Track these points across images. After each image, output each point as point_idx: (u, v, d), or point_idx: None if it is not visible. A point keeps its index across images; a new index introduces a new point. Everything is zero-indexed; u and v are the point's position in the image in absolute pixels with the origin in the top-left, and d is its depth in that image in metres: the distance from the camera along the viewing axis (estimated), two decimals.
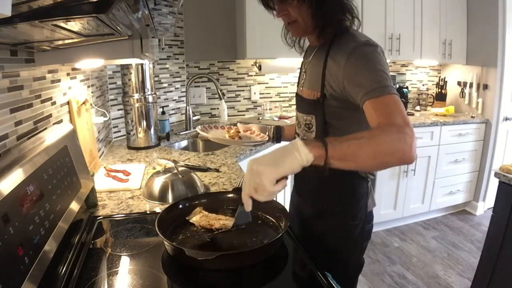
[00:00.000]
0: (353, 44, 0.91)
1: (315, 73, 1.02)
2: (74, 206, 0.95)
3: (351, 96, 0.90)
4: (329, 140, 0.72)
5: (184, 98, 2.75)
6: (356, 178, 1.04)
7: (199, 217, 1.00)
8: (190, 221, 1.00)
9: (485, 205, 3.26)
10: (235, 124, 1.39)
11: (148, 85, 1.95)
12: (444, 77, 3.43)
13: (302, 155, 0.69)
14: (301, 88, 1.12)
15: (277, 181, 0.70)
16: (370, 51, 0.89)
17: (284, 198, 2.21)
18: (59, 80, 1.26)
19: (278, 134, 1.31)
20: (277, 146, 0.87)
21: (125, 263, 0.87)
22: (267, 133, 1.31)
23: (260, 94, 3.06)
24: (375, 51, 0.89)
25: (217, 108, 2.91)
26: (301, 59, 1.18)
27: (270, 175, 0.67)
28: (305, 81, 1.09)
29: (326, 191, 1.08)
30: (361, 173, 1.04)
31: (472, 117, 3.07)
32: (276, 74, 3.02)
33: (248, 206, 0.74)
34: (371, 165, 0.75)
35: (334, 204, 1.08)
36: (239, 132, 1.31)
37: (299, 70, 1.21)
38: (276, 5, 0.98)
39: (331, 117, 1.00)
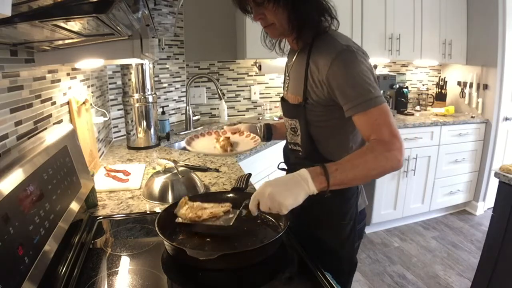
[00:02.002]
0: (333, 50, 0.91)
1: (298, 78, 1.03)
2: (74, 206, 0.95)
3: (336, 100, 0.93)
4: (330, 170, 0.81)
5: (184, 98, 2.75)
6: None
7: (185, 210, 0.96)
8: (178, 215, 0.96)
9: (485, 205, 3.26)
10: (222, 128, 1.34)
11: (148, 85, 1.95)
12: (444, 77, 3.43)
13: (311, 188, 0.80)
14: (286, 93, 1.12)
15: None
16: (353, 57, 0.89)
17: None
18: (59, 80, 1.26)
19: (268, 134, 1.30)
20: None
21: (125, 263, 0.87)
22: (258, 132, 1.28)
23: (260, 94, 3.06)
24: (356, 58, 0.89)
25: (217, 108, 2.92)
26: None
27: (289, 207, 0.79)
28: (289, 85, 1.10)
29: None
30: None
31: (472, 117, 3.07)
32: (276, 74, 3.02)
33: (255, 213, 0.85)
34: (364, 183, 0.91)
35: (324, 204, 1.06)
36: (229, 138, 1.23)
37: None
38: (253, 9, 0.97)
39: (314, 119, 1.01)
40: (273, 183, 0.81)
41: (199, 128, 2.53)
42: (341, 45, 0.91)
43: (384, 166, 0.83)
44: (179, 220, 0.95)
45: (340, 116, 0.98)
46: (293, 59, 1.07)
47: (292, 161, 1.16)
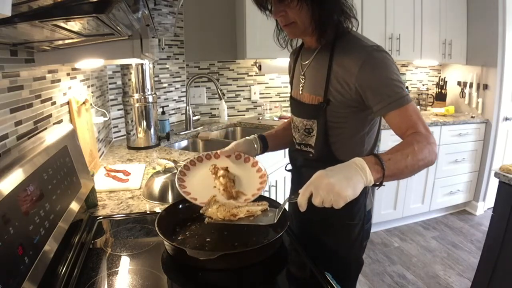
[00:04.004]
0: (362, 49, 0.91)
1: (317, 78, 1.00)
2: (74, 206, 0.95)
3: (366, 101, 0.92)
4: (384, 160, 0.77)
5: (184, 98, 2.75)
6: None
7: (215, 209, 0.88)
8: (206, 214, 0.88)
9: (485, 205, 3.26)
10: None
11: (148, 85, 1.95)
12: (444, 77, 3.43)
13: (368, 178, 0.74)
14: (300, 92, 1.08)
15: None
16: (383, 58, 0.90)
17: (284, 197, 2.21)
18: (59, 80, 1.26)
19: (264, 146, 1.21)
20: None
21: (125, 263, 0.87)
22: (254, 147, 1.17)
23: (260, 94, 3.06)
24: (387, 58, 0.91)
25: (217, 108, 2.92)
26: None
27: (348, 199, 0.72)
28: (305, 85, 1.06)
29: None
30: None
31: (472, 117, 3.07)
32: (276, 74, 3.02)
33: (304, 208, 0.76)
34: (408, 176, 0.84)
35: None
36: (228, 170, 1.04)
37: (292, 72, 1.17)
38: (274, 5, 0.94)
39: (334, 120, 1.00)
40: (330, 172, 0.74)
41: (199, 128, 2.53)
42: (370, 46, 0.92)
43: (428, 158, 0.82)
44: (209, 220, 0.87)
45: (361, 117, 0.99)
46: (311, 59, 1.04)
47: (300, 164, 1.14)
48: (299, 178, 1.15)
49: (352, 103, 0.95)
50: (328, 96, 0.97)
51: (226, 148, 1.12)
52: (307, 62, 1.06)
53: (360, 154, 1.03)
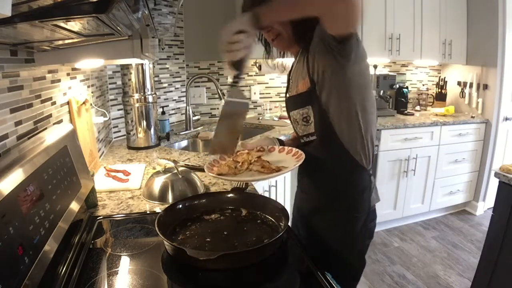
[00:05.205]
0: None
1: (300, 68, 1.07)
2: (74, 206, 0.95)
3: (329, 47, 0.94)
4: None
5: (184, 98, 2.75)
6: (356, 169, 1.06)
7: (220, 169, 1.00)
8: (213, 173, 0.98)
9: (485, 205, 3.26)
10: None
11: (148, 85, 1.95)
12: (444, 77, 3.43)
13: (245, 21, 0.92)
14: (294, 91, 1.11)
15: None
16: None
17: (284, 197, 2.21)
18: (59, 80, 1.26)
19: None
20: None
21: (125, 263, 0.87)
22: (277, 146, 1.19)
23: (260, 94, 3.06)
24: None
25: (217, 108, 2.92)
26: None
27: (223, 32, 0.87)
28: (293, 83, 1.13)
29: (330, 184, 1.10)
30: (361, 163, 1.06)
31: (472, 117, 3.07)
32: (276, 74, 3.02)
33: (231, 72, 0.92)
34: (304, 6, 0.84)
35: (338, 196, 1.09)
36: (261, 157, 1.05)
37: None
38: None
39: (327, 97, 1.01)
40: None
41: (199, 128, 2.53)
42: None
43: None
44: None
45: (345, 78, 0.98)
46: (295, 62, 1.12)
47: (308, 155, 1.12)
48: (306, 167, 1.14)
49: (328, 62, 0.97)
50: (313, 76, 1.01)
51: (250, 144, 1.17)
52: (294, 67, 1.14)
53: (358, 130, 1.03)
